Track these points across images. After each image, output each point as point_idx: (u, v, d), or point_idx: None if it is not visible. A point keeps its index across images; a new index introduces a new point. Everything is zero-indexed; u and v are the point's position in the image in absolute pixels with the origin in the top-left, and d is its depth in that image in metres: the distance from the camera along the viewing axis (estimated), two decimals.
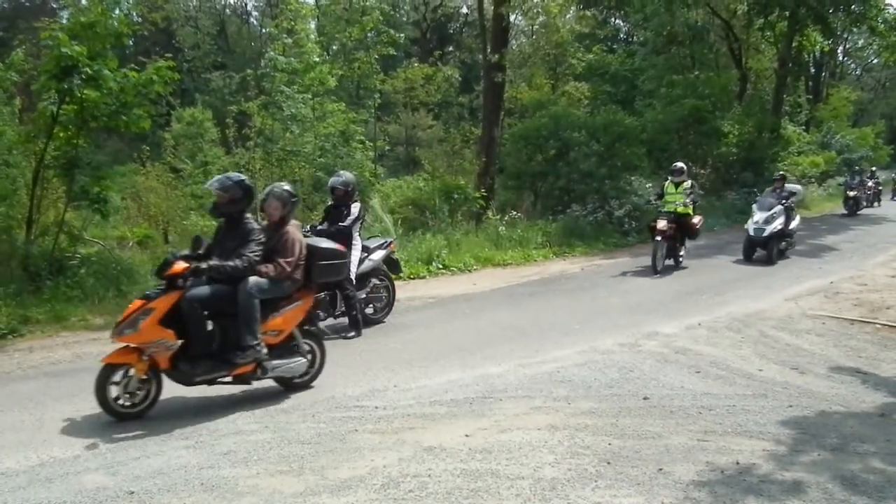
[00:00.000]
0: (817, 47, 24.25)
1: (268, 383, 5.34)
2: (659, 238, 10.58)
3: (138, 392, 4.76)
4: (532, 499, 3.63)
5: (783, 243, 11.96)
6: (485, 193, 14.59)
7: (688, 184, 11.18)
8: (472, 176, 16.16)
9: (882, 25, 20.74)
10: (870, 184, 22.09)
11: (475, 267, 11.31)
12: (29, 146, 8.82)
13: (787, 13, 20.38)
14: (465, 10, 38.92)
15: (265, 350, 5.01)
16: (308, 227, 7.32)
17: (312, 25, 17.75)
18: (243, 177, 5.25)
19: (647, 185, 14.81)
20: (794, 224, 12.26)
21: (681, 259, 11.22)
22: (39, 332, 7.20)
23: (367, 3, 16.88)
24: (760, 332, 7.22)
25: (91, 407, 4.77)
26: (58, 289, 7.96)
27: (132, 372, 4.71)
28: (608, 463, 4.04)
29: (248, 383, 5.16)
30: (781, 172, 14.38)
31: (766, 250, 11.62)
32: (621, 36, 34.48)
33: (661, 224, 10.55)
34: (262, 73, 15.17)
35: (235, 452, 4.22)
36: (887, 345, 6.87)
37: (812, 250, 13.15)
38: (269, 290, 5.04)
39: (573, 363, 6.11)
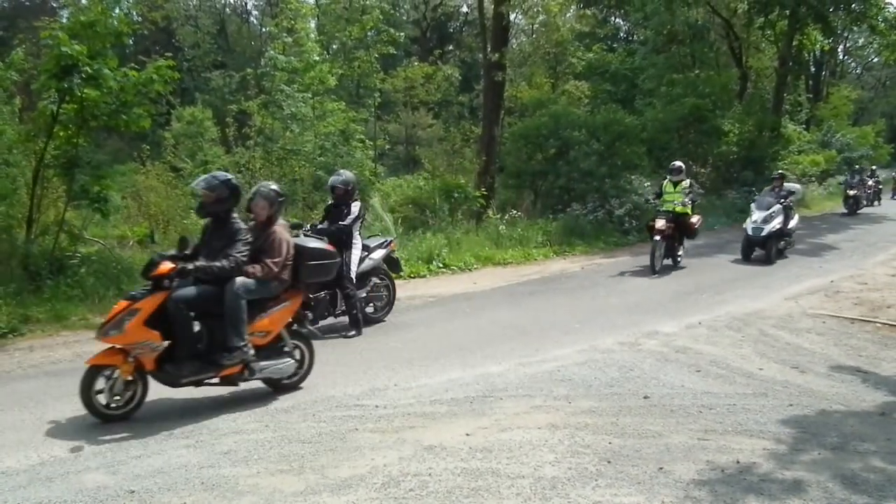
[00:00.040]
0: (817, 46, 24.26)
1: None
2: (657, 238, 10.51)
3: (124, 394, 4.71)
4: (532, 498, 3.63)
5: (782, 242, 11.91)
6: (485, 192, 14.58)
7: (686, 183, 11.12)
8: (473, 175, 16.14)
9: (882, 24, 20.75)
10: (870, 183, 22.13)
11: (475, 266, 11.31)
12: (29, 145, 8.80)
13: (787, 12, 20.35)
14: (465, 8, 39.04)
15: (252, 351, 4.95)
16: (308, 225, 7.35)
17: (312, 24, 17.75)
18: (230, 176, 5.20)
19: (647, 184, 14.79)
20: (792, 223, 12.22)
21: (679, 259, 11.17)
22: (40, 332, 7.19)
23: (367, 2, 16.82)
24: (760, 331, 7.22)
25: None
26: (58, 288, 7.94)
27: (117, 373, 4.66)
28: (608, 462, 4.05)
29: (236, 385, 5.11)
30: (780, 171, 14.26)
31: (764, 250, 11.57)
32: (621, 35, 34.49)
33: (660, 223, 10.49)
34: (262, 72, 15.21)
35: (236, 451, 4.22)
36: (887, 343, 6.87)
37: (812, 249, 13.14)
38: (256, 290, 4.98)
39: (573, 362, 6.11)
